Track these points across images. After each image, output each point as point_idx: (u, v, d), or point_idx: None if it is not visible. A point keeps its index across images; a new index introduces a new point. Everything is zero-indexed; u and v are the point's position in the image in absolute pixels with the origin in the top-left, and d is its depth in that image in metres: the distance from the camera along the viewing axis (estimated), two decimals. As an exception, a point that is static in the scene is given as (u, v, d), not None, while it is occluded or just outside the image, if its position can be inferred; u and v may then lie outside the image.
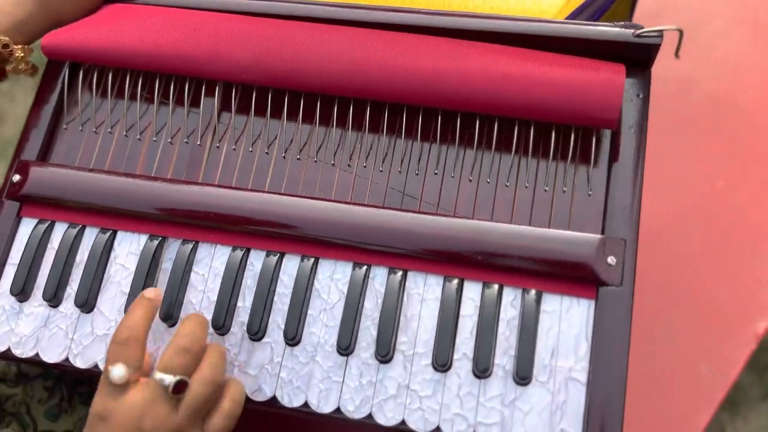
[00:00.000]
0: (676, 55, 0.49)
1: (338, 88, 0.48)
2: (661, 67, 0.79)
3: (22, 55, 0.52)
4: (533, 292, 0.45)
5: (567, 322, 0.44)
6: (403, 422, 0.44)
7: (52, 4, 0.52)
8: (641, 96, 0.48)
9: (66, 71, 0.54)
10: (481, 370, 0.44)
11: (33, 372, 0.57)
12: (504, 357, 0.44)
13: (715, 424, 1.15)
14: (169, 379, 0.41)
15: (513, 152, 0.48)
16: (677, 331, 0.71)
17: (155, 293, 0.45)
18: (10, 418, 0.53)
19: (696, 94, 0.81)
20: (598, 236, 0.45)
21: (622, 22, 0.48)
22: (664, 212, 0.75)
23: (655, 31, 0.47)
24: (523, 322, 0.44)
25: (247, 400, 0.45)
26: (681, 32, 0.47)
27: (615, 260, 0.44)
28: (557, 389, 0.43)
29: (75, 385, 0.58)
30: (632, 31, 0.47)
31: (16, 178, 0.52)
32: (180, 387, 0.41)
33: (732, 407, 1.16)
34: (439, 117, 0.49)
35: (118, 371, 0.41)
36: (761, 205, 0.75)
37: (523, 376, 0.43)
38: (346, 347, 0.45)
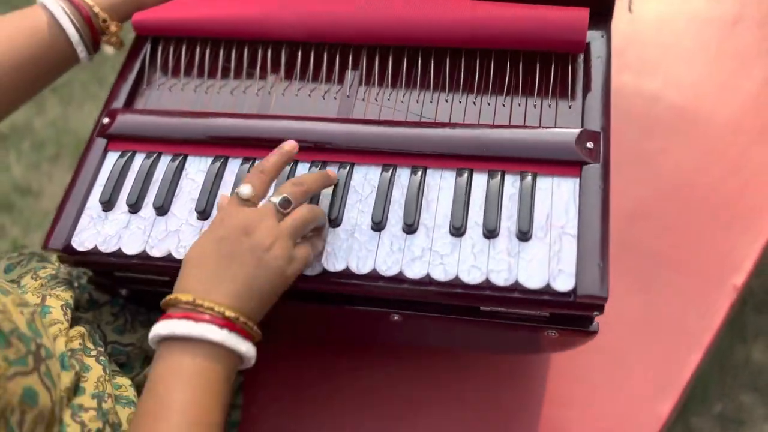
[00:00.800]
0: (629, 9, 0.63)
1: (365, 37, 0.62)
2: (633, 86, 0.95)
3: (115, 29, 0.66)
4: (529, 174, 0.56)
5: (558, 194, 0.55)
6: (427, 275, 0.53)
7: None
8: (604, 36, 0.61)
9: (148, 45, 0.68)
10: (490, 230, 0.54)
11: (102, 299, 0.66)
12: (508, 221, 0.54)
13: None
14: (279, 198, 0.52)
15: (507, 81, 0.61)
16: (667, 287, 0.80)
17: (291, 146, 0.56)
18: (84, 324, 0.61)
19: (660, 107, 0.95)
20: (579, 129, 0.56)
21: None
22: (648, 193, 0.87)
23: (609, -15, 0.61)
24: (521, 195, 0.55)
25: (301, 277, 0.54)
26: (630, -13, 0.62)
27: (592, 144, 0.56)
28: (553, 241, 0.53)
29: (136, 314, 0.67)
30: (593, -12, 0.61)
31: (105, 120, 0.64)
32: (285, 204, 0.52)
33: (737, 427, 1.19)
34: (447, 58, 0.62)
35: (246, 188, 0.52)
36: (730, 184, 0.86)
37: (524, 232, 0.53)
38: (378, 222, 0.55)
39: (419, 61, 0.63)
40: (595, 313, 0.53)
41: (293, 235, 0.52)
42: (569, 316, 0.55)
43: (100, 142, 0.64)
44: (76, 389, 0.51)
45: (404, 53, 0.63)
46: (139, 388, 0.59)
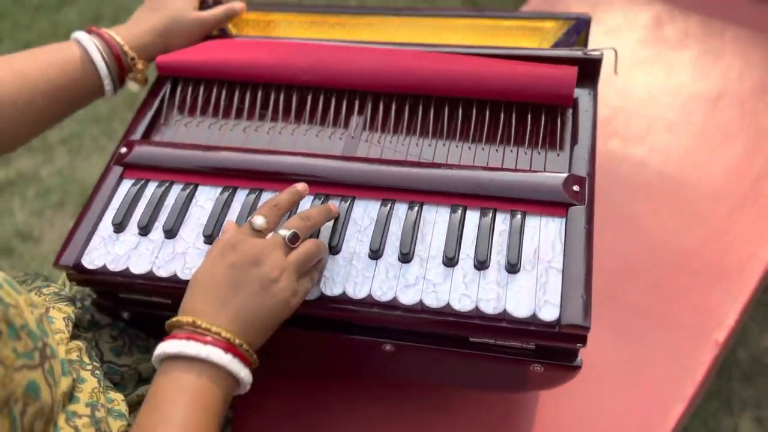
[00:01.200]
0: (615, 72, 0.69)
1: (371, 85, 0.67)
2: (621, 152, 1.00)
3: (141, 68, 0.71)
4: (519, 213, 0.59)
5: (545, 232, 0.58)
6: (420, 302, 0.56)
7: (169, 38, 0.72)
8: (591, 94, 0.67)
9: (168, 85, 0.73)
10: (481, 261, 0.57)
11: (103, 321, 0.68)
12: (498, 255, 0.58)
13: None
14: (288, 233, 0.55)
15: (500, 129, 0.66)
16: (652, 340, 0.82)
17: (303, 187, 0.60)
18: (83, 341, 0.63)
19: (647, 173, 1.00)
20: (565, 173, 0.60)
21: (581, 48, 0.68)
22: (635, 252, 0.90)
23: (595, 50, 0.67)
24: (511, 231, 0.58)
25: (303, 302, 0.57)
26: (615, 51, 0.67)
27: (578, 188, 0.60)
28: (540, 274, 0.56)
29: (135, 338, 0.69)
30: (582, 51, 0.67)
31: (123, 150, 0.68)
32: (294, 239, 0.55)
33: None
34: (446, 107, 0.67)
35: (259, 219, 0.55)
36: (713, 247, 0.90)
37: (513, 264, 0.56)
38: (375, 251, 0.59)
39: (420, 109, 0.68)
40: (578, 345, 0.56)
41: (299, 269, 0.55)
42: (554, 349, 0.58)
43: (117, 170, 0.67)
44: (71, 397, 0.53)
45: (406, 101, 0.68)
46: (131, 406, 0.61)
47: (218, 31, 0.79)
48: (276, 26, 0.79)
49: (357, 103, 0.69)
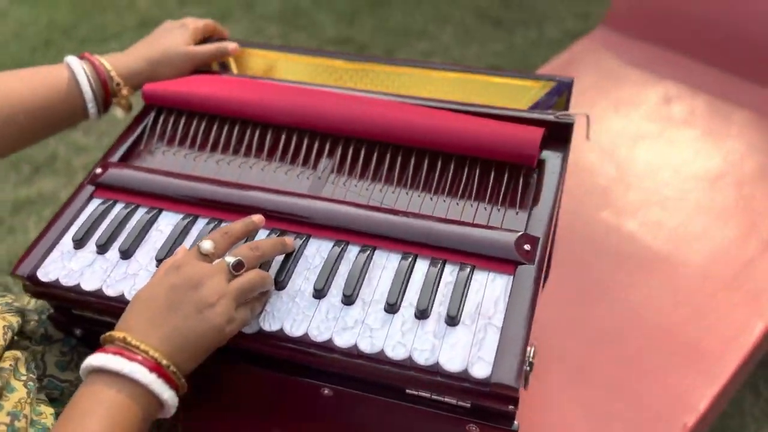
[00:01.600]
0: (587, 137, 0.69)
1: (341, 129, 0.68)
2: (612, 223, 0.99)
3: (125, 93, 0.74)
4: (468, 266, 0.59)
5: (491, 288, 0.58)
6: (355, 345, 0.55)
7: (158, 68, 0.75)
8: (560, 158, 0.66)
9: (152, 114, 0.75)
10: (421, 311, 0.56)
11: (56, 336, 0.69)
12: (440, 306, 0.57)
13: None
14: (233, 260, 0.55)
15: (464, 183, 0.66)
16: (618, 420, 0.79)
17: (259, 218, 0.61)
18: (26, 351, 0.63)
19: (634, 246, 0.98)
20: (519, 231, 0.60)
21: (555, 111, 0.68)
22: (610, 324, 0.88)
23: (567, 114, 0.67)
24: (456, 283, 0.58)
25: (240, 334, 0.57)
26: (588, 117, 0.68)
27: (530, 247, 0.59)
28: (478, 330, 0.55)
29: (84, 356, 0.68)
30: (554, 114, 0.67)
31: (98, 170, 0.70)
32: (238, 267, 0.55)
33: None
34: (413, 157, 0.68)
35: (207, 244, 0.56)
36: (693, 326, 0.87)
37: (452, 317, 0.55)
38: (319, 290, 0.58)
39: (388, 157, 0.68)
40: (510, 407, 0.54)
41: (238, 297, 0.55)
42: (490, 410, 0.56)
43: (89, 189, 0.69)
44: None
45: (375, 148, 0.69)
46: None
47: (219, 67, 0.81)
48: (276, 66, 0.81)
49: (328, 146, 0.70)
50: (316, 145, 0.70)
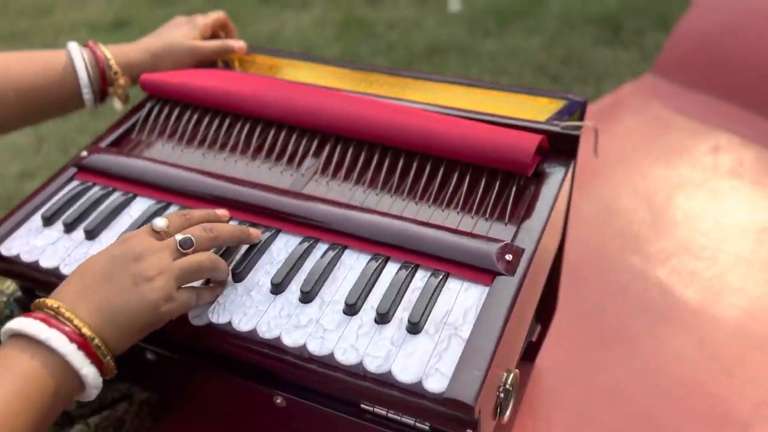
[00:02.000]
0: (595, 153, 0.63)
1: (328, 126, 0.65)
2: (640, 269, 0.91)
3: (122, 83, 0.73)
4: (442, 273, 0.53)
5: (463, 297, 0.52)
6: (304, 345, 0.50)
7: (160, 60, 0.74)
8: (563, 172, 0.61)
9: (149, 105, 0.73)
10: (381, 315, 0.51)
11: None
12: (404, 312, 0.51)
13: None
14: (181, 236, 0.52)
15: (451, 190, 0.60)
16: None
17: (223, 212, 0.58)
18: None
19: (661, 294, 0.90)
20: (502, 241, 0.54)
21: (559, 122, 0.62)
22: (625, 374, 0.80)
23: (573, 125, 0.61)
24: (425, 289, 0.52)
25: (182, 321, 0.53)
26: (596, 129, 0.62)
27: (511, 258, 0.53)
28: (441, 340, 0.49)
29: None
30: (559, 125, 0.62)
31: (84, 153, 0.68)
32: (185, 244, 0.51)
33: None
34: (401, 160, 0.63)
35: (161, 221, 0.53)
36: (718, 385, 0.78)
37: (414, 323, 0.50)
38: (277, 285, 0.54)
39: (374, 159, 0.64)
40: (467, 431, 0.47)
41: (181, 276, 0.51)
42: (451, 434, 0.50)
43: (71, 171, 0.67)
44: None
45: (363, 150, 0.65)
46: None
47: (223, 65, 0.80)
48: (281, 72, 0.79)
49: (315, 145, 0.66)
50: (303, 144, 0.67)
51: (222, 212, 0.58)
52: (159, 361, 0.61)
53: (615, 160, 1.13)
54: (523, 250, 0.54)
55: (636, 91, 1.31)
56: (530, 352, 0.80)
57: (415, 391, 0.47)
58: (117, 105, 0.75)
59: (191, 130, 0.71)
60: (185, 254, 0.52)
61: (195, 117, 0.71)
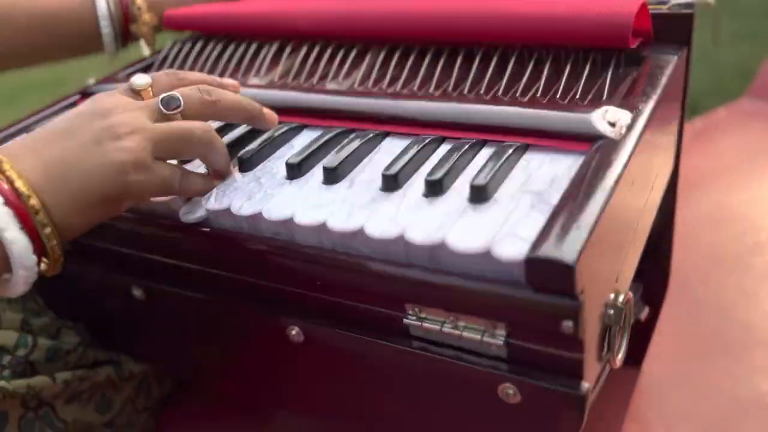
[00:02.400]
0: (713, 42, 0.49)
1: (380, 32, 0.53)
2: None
3: (147, 19, 0.64)
4: (517, 144, 0.39)
5: (549, 166, 0.37)
6: (324, 224, 0.36)
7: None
8: (676, 56, 0.46)
9: (175, 46, 0.64)
10: (432, 184, 0.36)
11: None
12: (464, 185, 0.36)
13: None
14: (167, 95, 0.39)
15: (543, 80, 0.46)
16: None
17: (232, 83, 0.46)
18: None
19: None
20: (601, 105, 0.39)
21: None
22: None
23: (685, 2, 0.48)
24: (494, 155, 0.37)
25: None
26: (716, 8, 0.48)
27: (617, 118, 0.38)
28: (517, 207, 0.34)
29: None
30: (667, 5, 0.48)
31: (91, 81, 0.59)
32: (171, 104, 0.39)
33: None
34: (479, 54, 0.49)
35: (142, 78, 0.41)
36: None
37: (480, 188, 0.35)
38: (293, 166, 0.40)
39: (442, 58, 0.50)
40: (566, 323, 0.31)
41: (160, 141, 0.38)
42: (537, 356, 0.33)
43: (74, 98, 0.58)
44: None
45: (424, 53, 0.51)
46: None
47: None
48: None
49: (369, 55, 0.53)
50: (352, 56, 0.54)
51: (230, 82, 0.46)
52: (148, 302, 0.47)
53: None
54: (636, 111, 0.39)
55: (731, 113, 1.15)
56: (636, 353, 0.62)
57: (478, 265, 0.32)
58: (144, 50, 0.66)
59: (215, 59, 0.60)
60: (170, 118, 0.39)
61: (218, 49, 0.60)
